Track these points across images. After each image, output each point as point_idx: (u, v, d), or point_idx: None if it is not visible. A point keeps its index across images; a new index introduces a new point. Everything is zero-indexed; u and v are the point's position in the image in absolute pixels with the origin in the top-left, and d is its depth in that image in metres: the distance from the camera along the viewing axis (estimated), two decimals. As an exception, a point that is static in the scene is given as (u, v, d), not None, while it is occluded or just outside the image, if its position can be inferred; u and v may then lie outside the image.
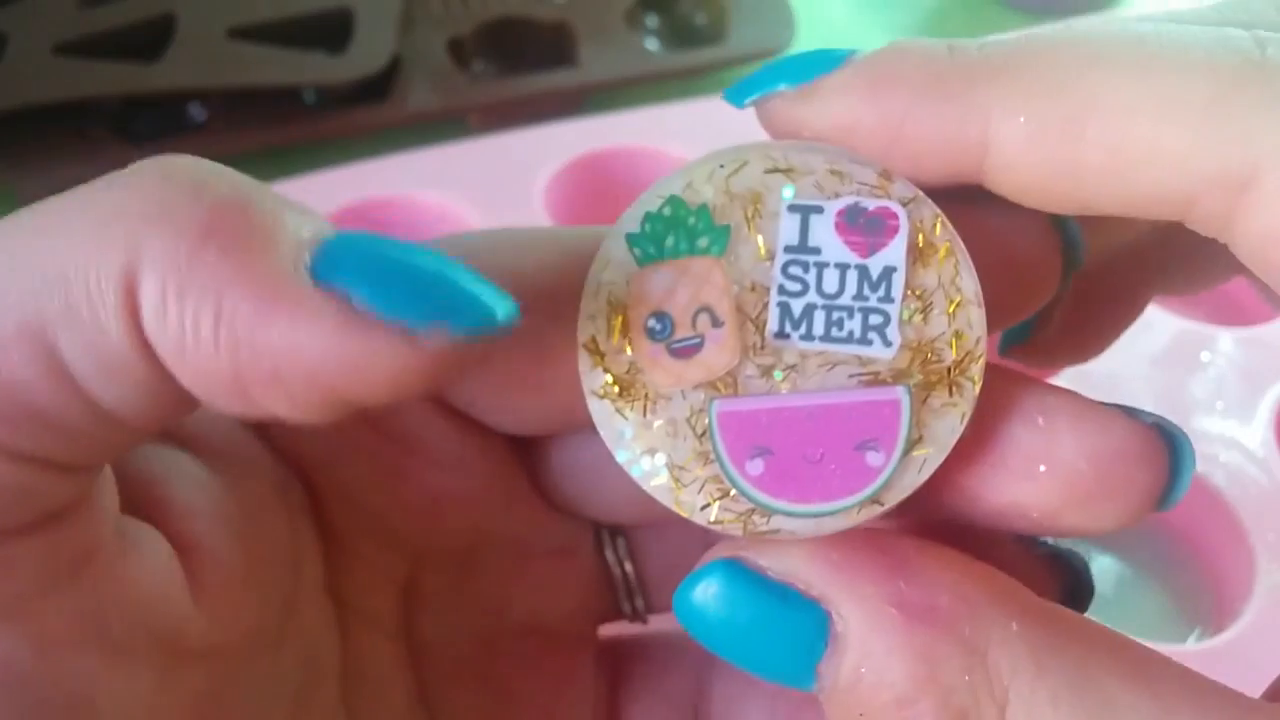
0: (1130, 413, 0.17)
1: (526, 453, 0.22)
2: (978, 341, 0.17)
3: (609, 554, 0.23)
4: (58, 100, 0.50)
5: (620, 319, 0.17)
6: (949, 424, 0.17)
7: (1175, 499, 0.17)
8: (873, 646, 0.16)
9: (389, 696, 0.21)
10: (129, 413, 0.15)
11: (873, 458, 0.16)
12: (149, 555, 0.16)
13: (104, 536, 0.16)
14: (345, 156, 0.49)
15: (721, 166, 0.17)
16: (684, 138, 0.50)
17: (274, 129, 0.52)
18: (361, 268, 0.14)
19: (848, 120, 0.17)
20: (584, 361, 0.17)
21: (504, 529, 0.22)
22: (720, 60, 0.56)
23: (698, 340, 0.17)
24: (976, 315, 0.17)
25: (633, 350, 0.17)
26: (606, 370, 0.17)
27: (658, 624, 0.24)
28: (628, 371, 0.17)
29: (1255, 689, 0.33)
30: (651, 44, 0.59)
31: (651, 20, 0.60)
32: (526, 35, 0.57)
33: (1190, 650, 0.35)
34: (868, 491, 0.16)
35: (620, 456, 0.17)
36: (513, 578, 0.22)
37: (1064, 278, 0.19)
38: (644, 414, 0.17)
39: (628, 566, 0.24)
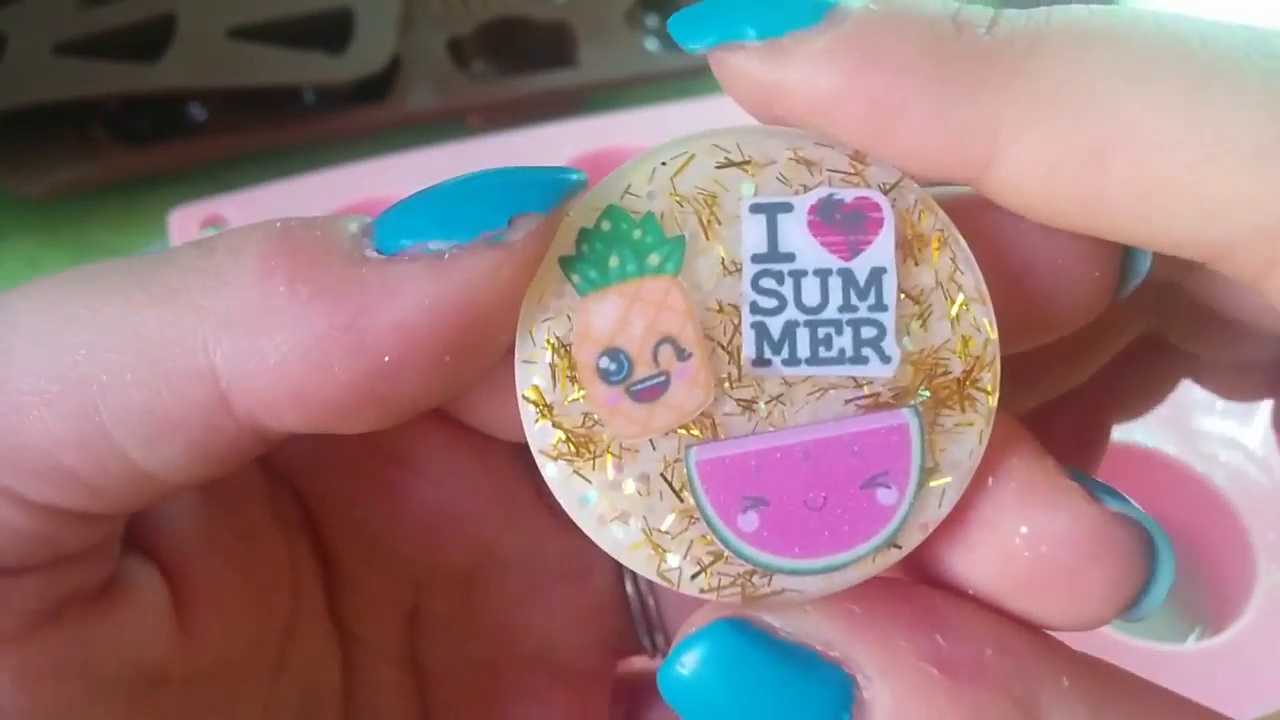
0: (1095, 495, 0.15)
1: (531, 465, 0.21)
2: (987, 345, 0.14)
3: (629, 585, 0.22)
4: (58, 100, 0.50)
5: (566, 362, 0.14)
6: (966, 445, 0.14)
7: (1147, 607, 0.15)
8: (912, 713, 0.13)
9: None
10: (174, 473, 0.14)
11: (884, 495, 0.14)
12: (140, 592, 0.16)
13: (103, 577, 0.16)
14: (345, 156, 0.49)
15: (663, 164, 0.14)
16: (684, 138, 0.50)
17: (274, 129, 0.52)
18: (420, 217, 0.14)
19: (828, 99, 0.14)
20: (528, 417, 0.14)
21: (510, 547, 0.21)
22: (720, 60, 0.56)
23: (662, 378, 0.14)
24: (983, 315, 0.14)
25: (585, 398, 0.14)
26: (556, 425, 0.14)
27: None
28: (582, 424, 0.14)
29: (1255, 689, 0.33)
30: (651, 44, 0.58)
31: (651, 20, 0.60)
32: (526, 35, 0.57)
33: (1190, 650, 0.35)
34: (883, 535, 0.14)
35: (586, 526, 0.15)
36: (522, 604, 0.21)
37: (1120, 287, 0.16)
38: (609, 473, 0.14)
39: (649, 600, 0.22)
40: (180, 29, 0.52)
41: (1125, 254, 0.16)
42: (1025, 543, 0.14)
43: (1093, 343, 0.19)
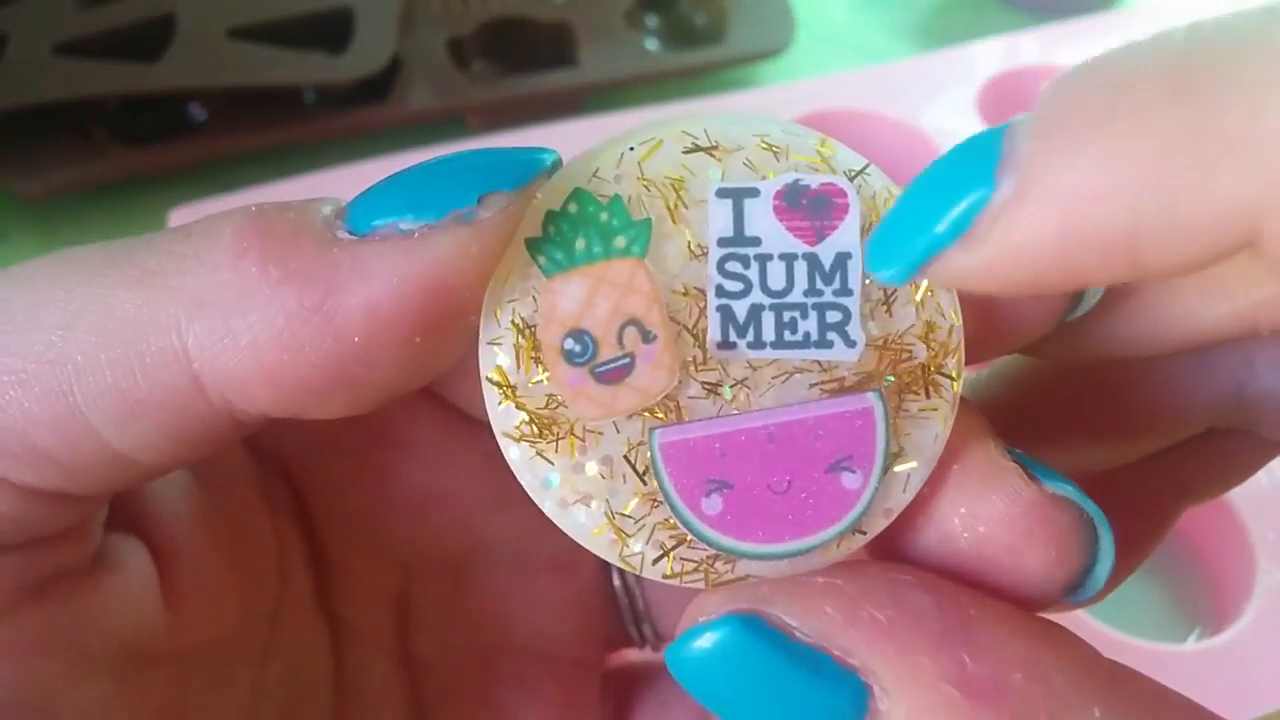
0: (1034, 475, 0.14)
1: None
2: (951, 331, 0.14)
3: (615, 577, 0.22)
4: (58, 100, 0.50)
5: (530, 343, 0.14)
6: (931, 430, 0.14)
7: (1090, 588, 0.15)
8: None
9: (384, 715, 0.20)
10: (148, 455, 0.15)
11: (849, 480, 0.14)
12: (127, 570, 0.16)
13: (86, 556, 0.16)
14: (345, 156, 0.49)
15: (631, 149, 0.14)
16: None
17: (274, 129, 0.52)
18: (392, 198, 0.14)
19: (1056, 260, 0.12)
20: (491, 398, 0.14)
21: (498, 534, 0.21)
22: (720, 60, 0.56)
23: (627, 360, 0.14)
24: (948, 301, 0.14)
25: (549, 379, 0.14)
26: (520, 407, 0.14)
27: None
28: (546, 405, 0.14)
29: (1255, 689, 0.33)
30: (651, 44, 0.58)
31: (651, 20, 0.60)
32: (526, 35, 0.57)
33: (1190, 650, 0.35)
34: (847, 520, 0.14)
35: (548, 508, 0.14)
36: (511, 593, 0.21)
37: (1068, 312, 0.16)
38: (572, 455, 0.14)
39: (636, 591, 0.22)
40: (180, 29, 0.52)
41: None
42: (963, 523, 0.14)
43: (1153, 420, 0.19)
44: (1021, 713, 0.13)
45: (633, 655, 0.24)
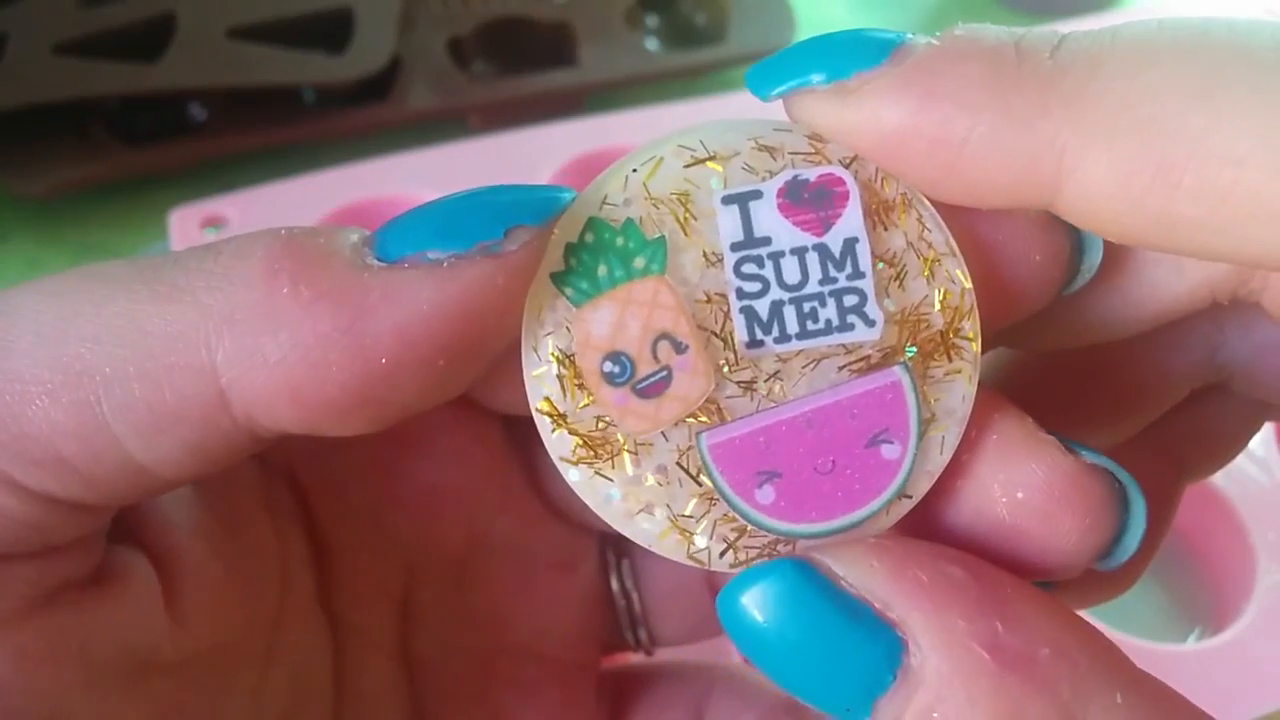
0: (1070, 447, 0.15)
1: (523, 450, 0.21)
2: (964, 294, 0.15)
3: (614, 583, 0.23)
4: (58, 100, 0.50)
5: (571, 371, 0.15)
6: (958, 392, 0.15)
7: (1120, 555, 0.15)
8: (953, 691, 0.13)
9: (383, 716, 0.20)
10: (168, 468, 0.15)
11: (888, 450, 0.15)
12: (130, 580, 0.16)
13: (92, 566, 0.16)
14: (345, 156, 0.49)
15: (634, 170, 0.15)
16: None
17: (274, 129, 0.52)
18: (420, 228, 0.14)
19: (892, 137, 0.14)
20: (544, 428, 0.15)
21: (501, 534, 0.21)
22: (720, 60, 0.56)
23: (664, 373, 0.15)
24: (955, 266, 0.15)
25: (595, 402, 0.15)
26: (572, 432, 0.15)
27: (662, 654, 0.24)
28: (596, 427, 0.15)
29: (1255, 689, 0.33)
30: (651, 44, 0.58)
31: (651, 20, 0.60)
32: (526, 35, 0.57)
33: (1190, 650, 0.35)
34: (893, 488, 0.15)
35: (614, 522, 0.15)
36: (512, 594, 0.22)
37: (1065, 284, 0.16)
38: (628, 469, 0.15)
39: (633, 596, 0.23)
40: (180, 29, 0.52)
41: (1074, 248, 0.16)
42: (1002, 489, 0.15)
43: (1137, 394, 0.20)
44: (1046, 685, 0.13)
45: (628, 657, 0.24)
